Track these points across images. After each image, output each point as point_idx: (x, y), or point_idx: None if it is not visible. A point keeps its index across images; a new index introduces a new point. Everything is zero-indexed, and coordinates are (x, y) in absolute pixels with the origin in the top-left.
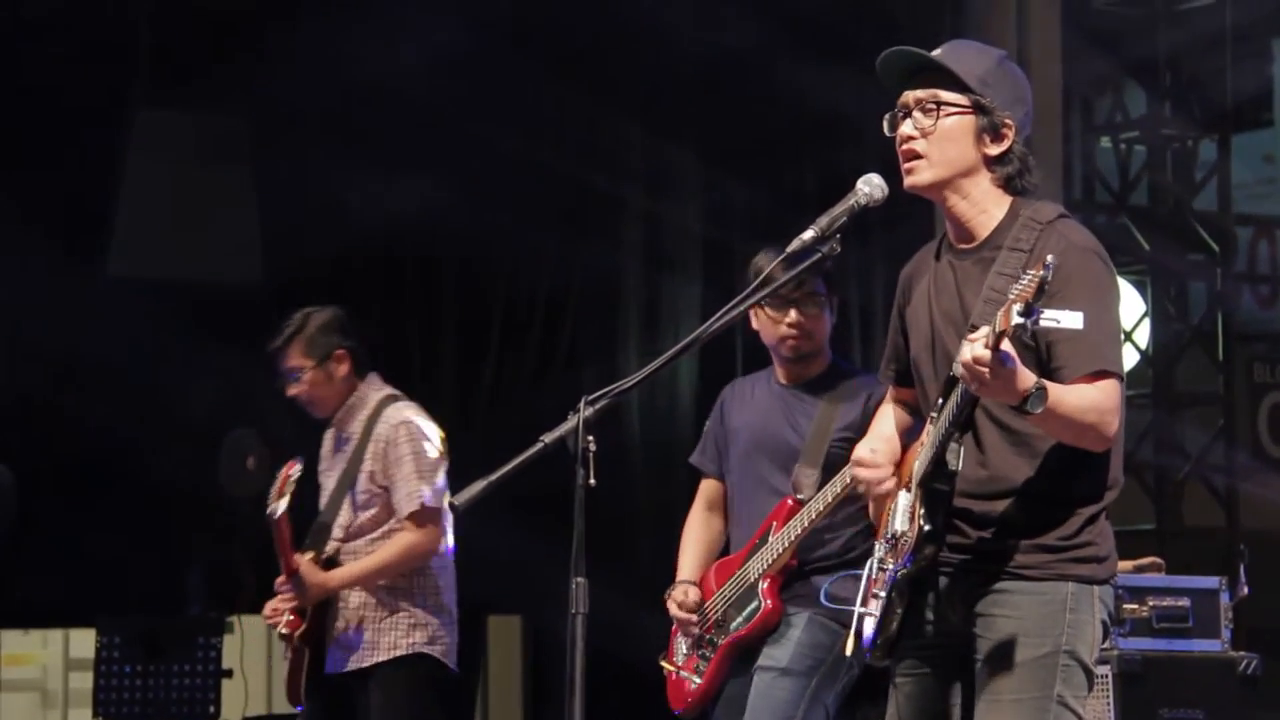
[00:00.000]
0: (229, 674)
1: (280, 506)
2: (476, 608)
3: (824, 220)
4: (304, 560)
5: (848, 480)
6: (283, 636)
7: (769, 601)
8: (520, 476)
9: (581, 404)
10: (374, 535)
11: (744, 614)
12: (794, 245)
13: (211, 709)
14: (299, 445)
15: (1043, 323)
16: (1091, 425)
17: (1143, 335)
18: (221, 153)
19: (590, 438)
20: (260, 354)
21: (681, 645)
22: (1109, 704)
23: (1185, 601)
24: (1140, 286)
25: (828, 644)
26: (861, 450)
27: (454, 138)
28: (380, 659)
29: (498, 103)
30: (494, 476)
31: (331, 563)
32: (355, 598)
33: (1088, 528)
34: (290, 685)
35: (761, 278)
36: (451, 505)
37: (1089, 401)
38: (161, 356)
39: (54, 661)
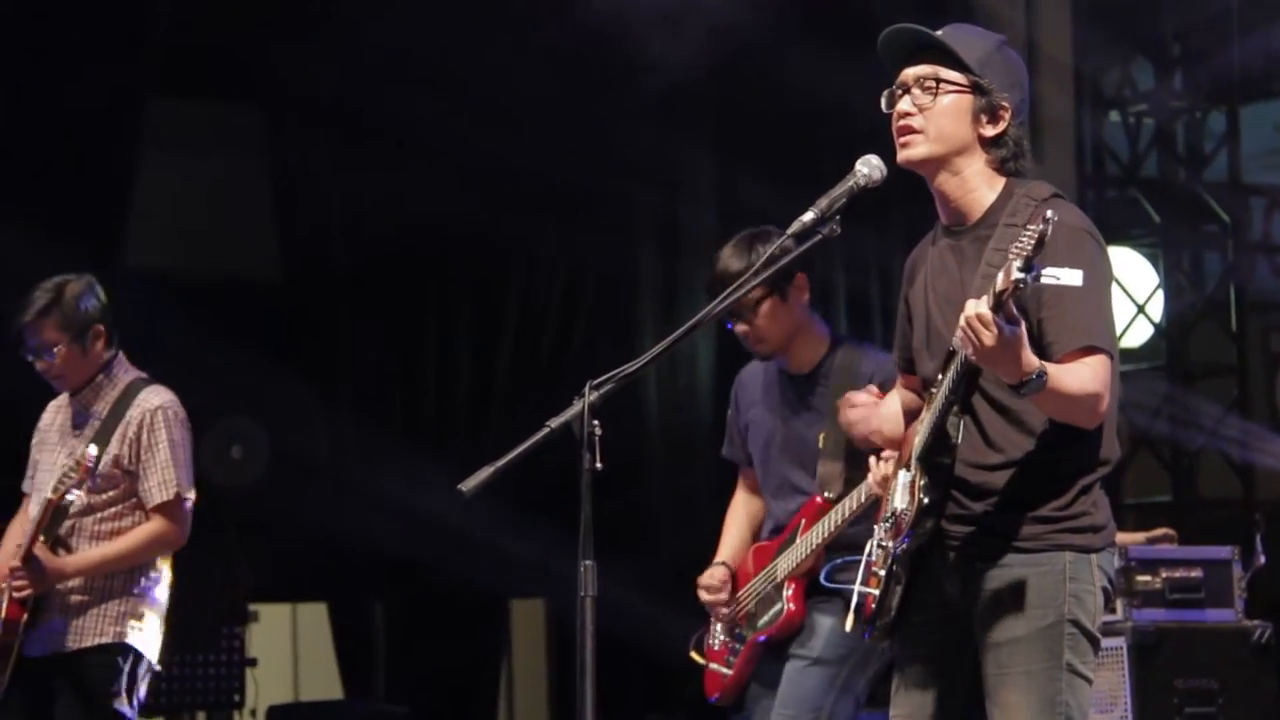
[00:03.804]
0: (254, 663)
1: (74, 494)
2: (500, 592)
3: (823, 202)
4: (40, 545)
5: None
6: None
7: (792, 605)
8: (537, 460)
9: (586, 389)
10: (103, 515)
11: (769, 614)
12: (794, 227)
13: (237, 698)
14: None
15: (1044, 279)
16: (1083, 404)
17: (1156, 308)
18: (236, 143)
19: (595, 422)
20: (272, 347)
21: (718, 633)
22: (1124, 675)
23: (1198, 572)
24: (1152, 259)
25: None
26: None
27: (469, 133)
28: (86, 644)
29: (511, 97)
30: (500, 463)
31: (56, 544)
32: (72, 580)
33: (1082, 497)
34: None
35: (761, 262)
36: (460, 491)
37: (1082, 381)
38: (174, 348)
39: None
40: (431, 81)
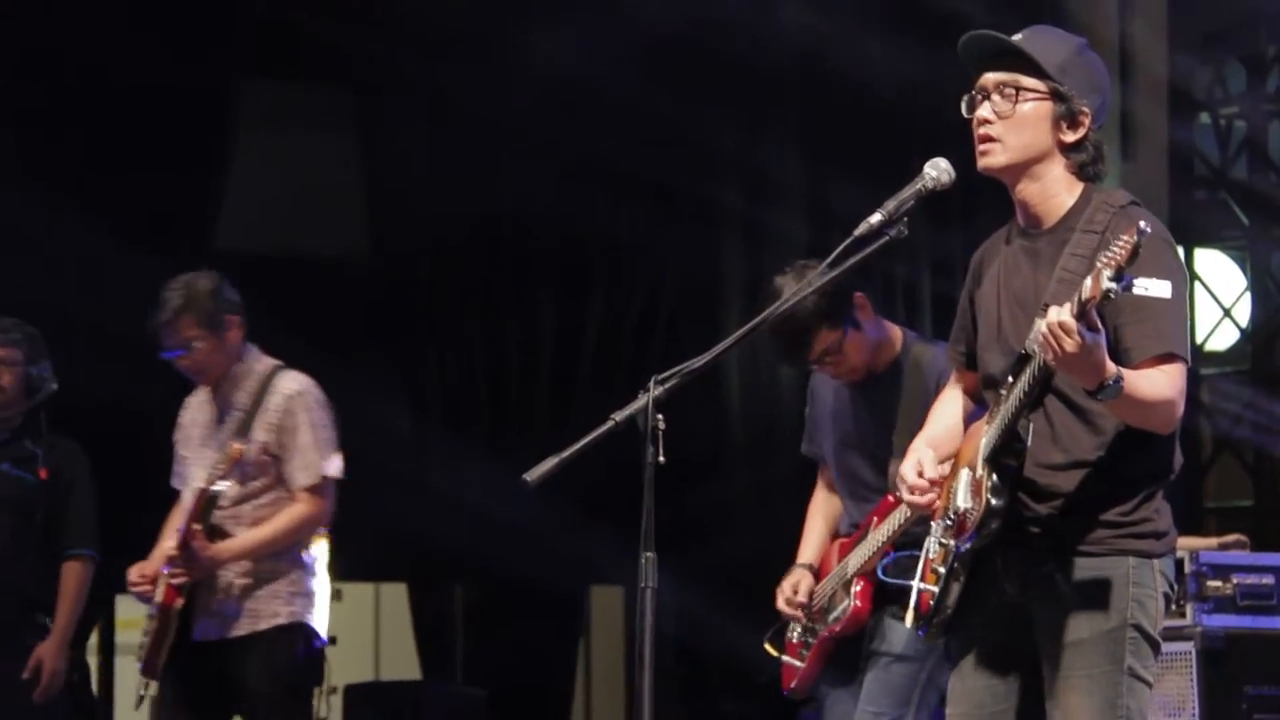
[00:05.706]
0: (332, 641)
1: (221, 484)
2: (579, 579)
3: (891, 204)
4: (196, 534)
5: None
6: (152, 605)
7: (859, 602)
8: (612, 454)
9: (651, 383)
10: (260, 502)
11: (837, 610)
12: (861, 229)
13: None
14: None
15: (1135, 289)
16: (1158, 410)
17: (1242, 312)
18: (327, 126)
19: (660, 416)
20: (359, 329)
21: (795, 628)
22: (1192, 681)
23: (1270, 579)
24: (1240, 262)
25: None
26: (908, 470)
27: (558, 121)
28: (261, 627)
29: (600, 88)
30: (564, 454)
31: (215, 532)
32: (236, 565)
33: (1145, 504)
34: (151, 658)
35: (830, 260)
36: (524, 481)
37: (1158, 388)
38: (261, 330)
39: None
40: (521, 69)
